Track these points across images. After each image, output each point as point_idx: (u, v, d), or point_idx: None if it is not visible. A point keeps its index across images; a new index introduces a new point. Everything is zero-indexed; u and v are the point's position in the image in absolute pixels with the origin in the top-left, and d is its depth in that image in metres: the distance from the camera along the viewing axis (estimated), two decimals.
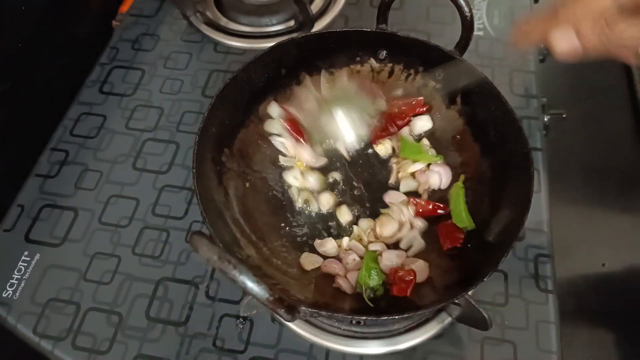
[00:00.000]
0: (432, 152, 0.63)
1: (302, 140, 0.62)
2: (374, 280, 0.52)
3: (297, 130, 0.62)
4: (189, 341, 0.57)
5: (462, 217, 0.55)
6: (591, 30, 0.37)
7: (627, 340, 0.60)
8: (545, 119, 0.71)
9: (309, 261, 0.56)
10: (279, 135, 0.63)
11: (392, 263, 0.54)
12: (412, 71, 0.64)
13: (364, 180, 0.63)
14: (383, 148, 0.64)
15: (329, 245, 0.57)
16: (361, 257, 0.56)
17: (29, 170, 0.70)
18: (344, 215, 0.60)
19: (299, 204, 0.61)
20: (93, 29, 0.82)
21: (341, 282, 0.54)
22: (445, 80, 0.61)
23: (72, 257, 0.63)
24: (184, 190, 0.68)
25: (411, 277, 0.51)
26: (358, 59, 0.65)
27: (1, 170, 0.67)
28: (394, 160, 0.63)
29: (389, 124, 0.64)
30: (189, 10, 0.82)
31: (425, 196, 0.60)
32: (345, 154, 0.63)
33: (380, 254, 0.55)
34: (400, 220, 0.58)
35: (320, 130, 0.61)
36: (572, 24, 0.38)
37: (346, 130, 0.60)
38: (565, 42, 0.38)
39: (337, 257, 0.57)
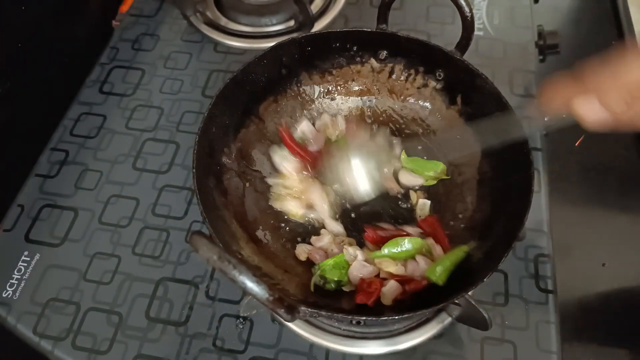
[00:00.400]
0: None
1: (309, 172, 0.61)
2: (332, 274, 0.53)
3: (306, 158, 0.61)
4: (189, 341, 0.57)
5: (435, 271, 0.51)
6: (617, 103, 0.35)
7: (627, 340, 0.60)
8: (546, 119, 0.71)
9: (302, 250, 0.57)
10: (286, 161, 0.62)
11: (358, 273, 0.53)
12: (412, 71, 0.64)
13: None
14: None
15: (325, 240, 0.57)
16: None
17: (29, 170, 0.70)
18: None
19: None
20: (93, 29, 0.82)
21: None
22: (483, 134, 0.57)
23: (72, 257, 0.63)
24: (184, 190, 0.68)
25: (376, 287, 0.51)
26: (358, 59, 0.65)
27: (1, 170, 0.67)
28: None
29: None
30: (189, 10, 0.82)
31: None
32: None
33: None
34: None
35: (334, 174, 0.60)
36: (597, 95, 0.36)
37: (360, 179, 0.59)
38: (590, 112, 0.36)
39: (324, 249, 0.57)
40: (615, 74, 0.35)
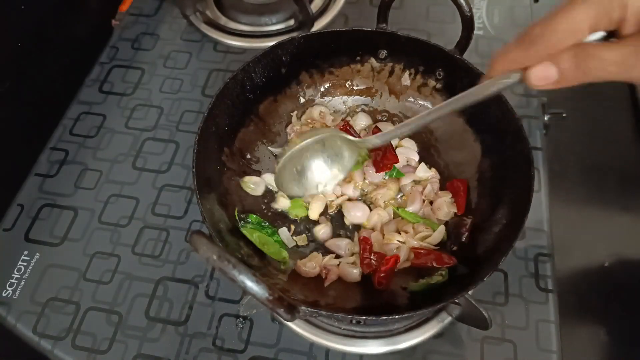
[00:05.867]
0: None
1: None
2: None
3: None
4: (189, 341, 0.57)
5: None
6: (571, 62, 0.35)
7: (627, 340, 0.60)
8: (546, 118, 0.71)
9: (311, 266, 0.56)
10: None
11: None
12: (412, 70, 0.64)
13: None
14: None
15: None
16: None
17: (29, 169, 0.70)
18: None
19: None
20: (93, 28, 0.82)
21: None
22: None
23: (71, 257, 0.63)
24: (183, 190, 0.68)
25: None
26: (358, 58, 0.65)
27: (1, 169, 0.67)
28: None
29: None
30: (189, 9, 0.82)
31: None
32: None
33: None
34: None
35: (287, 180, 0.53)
36: (550, 58, 0.35)
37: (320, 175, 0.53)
38: (543, 77, 0.36)
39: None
40: (561, 30, 0.35)
